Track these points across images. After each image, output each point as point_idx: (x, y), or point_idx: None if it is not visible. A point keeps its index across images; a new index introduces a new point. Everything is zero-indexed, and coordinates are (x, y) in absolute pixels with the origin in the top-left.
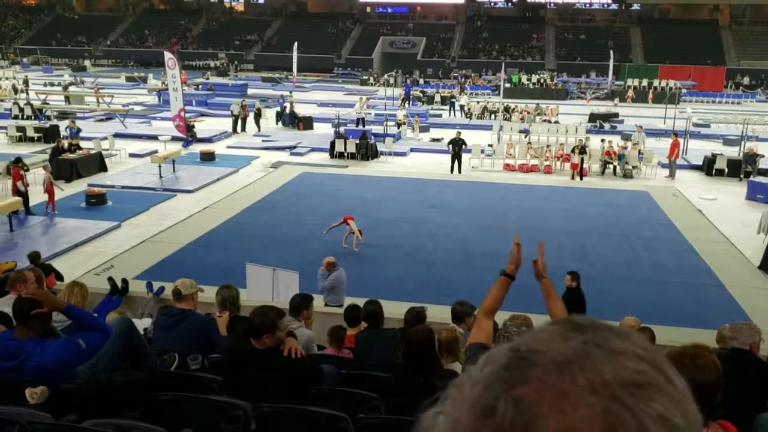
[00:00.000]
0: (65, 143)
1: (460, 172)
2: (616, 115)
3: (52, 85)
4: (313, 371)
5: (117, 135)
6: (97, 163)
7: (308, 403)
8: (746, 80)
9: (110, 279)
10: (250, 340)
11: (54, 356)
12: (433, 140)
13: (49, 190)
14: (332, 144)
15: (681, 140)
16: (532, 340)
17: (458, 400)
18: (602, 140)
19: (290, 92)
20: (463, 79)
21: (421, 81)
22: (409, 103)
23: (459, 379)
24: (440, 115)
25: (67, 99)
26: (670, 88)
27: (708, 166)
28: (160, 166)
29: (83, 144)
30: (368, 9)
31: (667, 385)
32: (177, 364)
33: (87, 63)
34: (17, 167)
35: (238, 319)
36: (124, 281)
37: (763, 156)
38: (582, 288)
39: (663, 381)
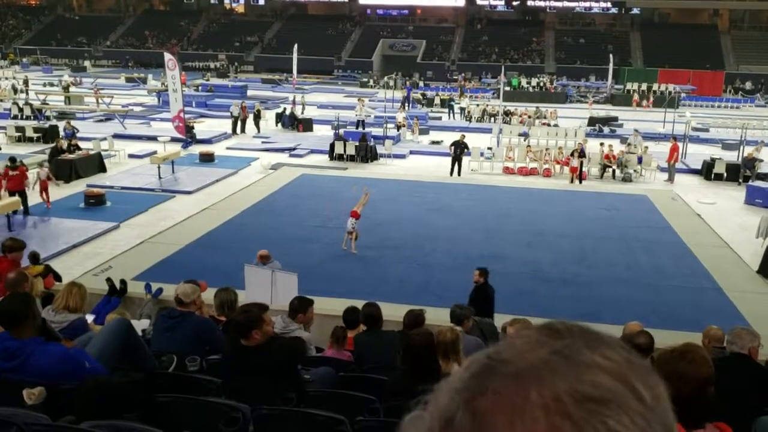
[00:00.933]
0: (64, 144)
1: (459, 174)
2: (616, 118)
3: (51, 85)
4: (297, 349)
5: (116, 136)
6: (97, 163)
7: (306, 402)
8: (748, 85)
9: (109, 280)
10: (240, 341)
11: (55, 366)
12: (433, 143)
13: (44, 186)
14: (332, 146)
15: (680, 144)
16: (507, 347)
17: (432, 407)
18: (601, 144)
19: (303, 95)
20: (463, 82)
21: (421, 83)
22: (408, 106)
23: (440, 383)
24: (440, 118)
25: (68, 99)
26: (670, 92)
27: (707, 171)
28: (159, 167)
29: (82, 144)
30: (369, 11)
31: (629, 399)
32: (175, 366)
33: (87, 63)
34: (6, 168)
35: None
36: (123, 282)
37: (762, 160)
38: (490, 283)
39: (625, 394)
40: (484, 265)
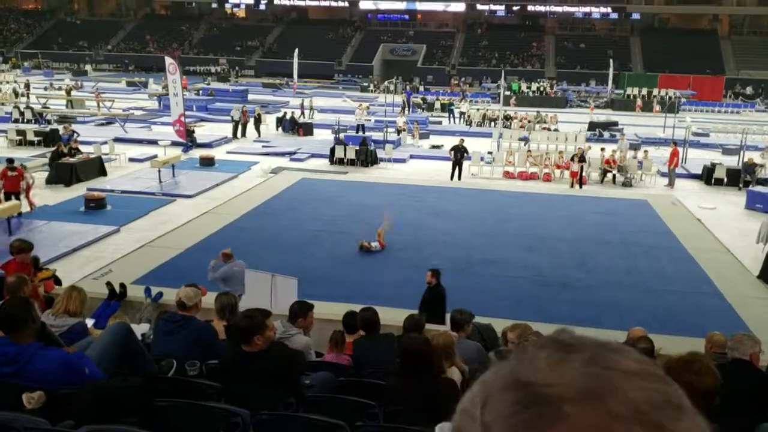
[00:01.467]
0: (65, 147)
1: (460, 179)
2: (616, 123)
3: (60, 89)
4: (299, 359)
5: (117, 139)
6: (97, 167)
7: (305, 407)
8: (749, 90)
9: (109, 284)
10: (241, 345)
11: (54, 371)
12: (433, 147)
13: (27, 187)
14: (332, 150)
15: (680, 149)
16: (534, 370)
17: None
18: (602, 149)
19: (311, 98)
20: (464, 86)
21: (421, 88)
22: (409, 110)
23: (467, 406)
24: (440, 122)
25: (70, 103)
26: (670, 98)
27: (707, 176)
28: (159, 171)
29: (83, 148)
30: (369, 16)
31: (682, 398)
32: (175, 370)
33: (88, 67)
34: (5, 168)
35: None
36: (122, 286)
37: (762, 166)
38: (442, 283)
39: (677, 394)
40: (483, 269)
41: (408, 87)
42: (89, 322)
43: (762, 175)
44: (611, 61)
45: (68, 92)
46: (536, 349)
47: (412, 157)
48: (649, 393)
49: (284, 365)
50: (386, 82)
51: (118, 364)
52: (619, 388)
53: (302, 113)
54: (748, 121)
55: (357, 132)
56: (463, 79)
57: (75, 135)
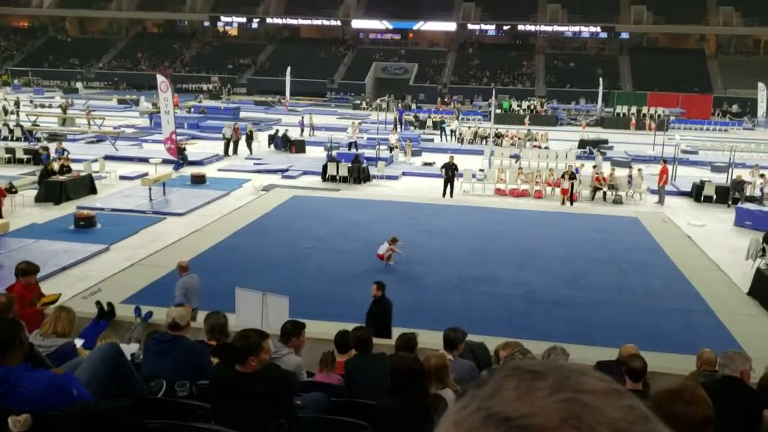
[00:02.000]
0: (55, 165)
1: (452, 196)
2: (606, 141)
3: (43, 106)
4: (292, 381)
5: (108, 157)
6: (87, 185)
7: (297, 428)
8: (735, 108)
9: (98, 303)
10: (235, 365)
11: (42, 393)
12: (425, 164)
13: None
14: (324, 167)
15: (670, 167)
16: (505, 403)
17: None
18: (594, 166)
19: (311, 115)
20: (459, 104)
21: (413, 106)
22: (401, 128)
23: None
24: (432, 140)
25: (64, 121)
26: (659, 115)
27: (696, 193)
28: (150, 189)
29: (73, 166)
30: (361, 35)
31: (647, 410)
32: (165, 391)
33: (79, 85)
34: None
35: (225, 346)
36: (110, 304)
37: (750, 183)
38: (387, 296)
39: (644, 407)
40: (475, 286)
41: (400, 105)
42: (78, 342)
43: (751, 192)
44: (601, 79)
45: (64, 110)
46: (500, 380)
47: (404, 174)
48: (625, 411)
49: (278, 387)
50: (378, 100)
51: (107, 385)
52: (596, 408)
53: (302, 130)
54: (736, 139)
55: (349, 149)
56: (455, 97)
57: (65, 153)
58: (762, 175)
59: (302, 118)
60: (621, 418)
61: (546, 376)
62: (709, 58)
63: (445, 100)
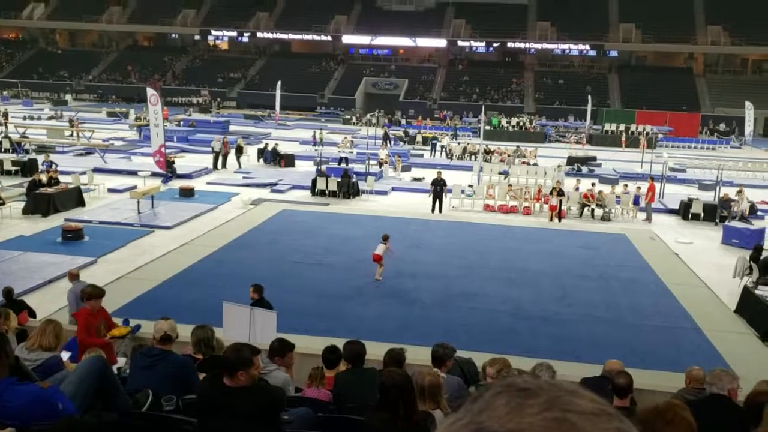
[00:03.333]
0: (43, 177)
1: (441, 211)
2: (594, 158)
3: (32, 118)
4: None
5: (96, 170)
6: (75, 197)
7: None
8: (722, 126)
9: None
10: (223, 379)
11: (27, 407)
12: (415, 179)
13: None
14: (314, 182)
15: (657, 184)
16: (495, 419)
17: None
18: (593, 184)
19: (321, 130)
20: (452, 121)
21: (403, 121)
22: (391, 143)
23: None
24: (422, 155)
25: (73, 134)
26: (647, 133)
27: (684, 211)
28: (138, 202)
29: (62, 178)
30: (352, 50)
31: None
32: (151, 404)
33: (68, 97)
34: None
35: (212, 359)
36: None
37: (737, 201)
38: (266, 298)
39: (632, 430)
40: (464, 302)
41: (387, 120)
42: (65, 356)
43: (737, 211)
44: (589, 97)
45: (71, 123)
46: (493, 396)
47: (393, 189)
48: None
49: (265, 403)
50: (368, 115)
51: (93, 398)
52: (581, 429)
53: (314, 144)
54: (723, 157)
55: (339, 164)
56: (447, 113)
57: (53, 165)
58: (739, 191)
59: (314, 132)
60: None
61: (538, 395)
62: (697, 76)
63: (439, 115)
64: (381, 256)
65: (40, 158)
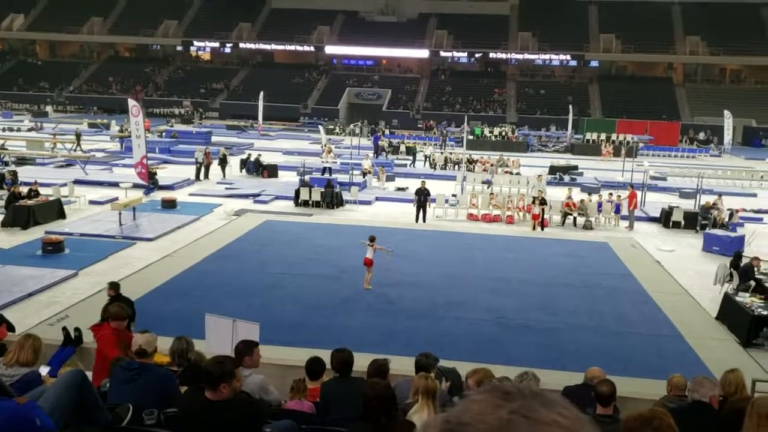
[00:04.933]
0: (22, 189)
1: (425, 221)
2: (576, 167)
3: (11, 130)
4: (263, 411)
5: (77, 182)
6: (56, 210)
7: None
8: (701, 135)
9: (64, 329)
10: (205, 392)
11: (3, 423)
12: (399, 189)
13: None
14: (297, 192)
15: (639, 192)
16: (464, 411)
17: None
18: (590, 195)
19: (331, 145)
20: (445, 131)
21: (387, 131)
22: (384, 154)
23: None
24: (406, 165)
25: (79, 147)
26: (628, 142)
27: (665, 218)
28: (120, 214)
29: (42, 190)
30: (334, 60)
31: None
32: (132, 419)
33: (49, 108)
34: None
35: (192, 372)
36: (77, 330)
37: (717, 209)
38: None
39: None
40: (448, 312)
41: (377, 132)
42: (44, 371)
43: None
44: (571, 106)
45: (78, 136)
46: (478, 394)
47: (377, 199)
48: None
49: (247, 415)
50: (352, 125)
51: (72, 413)
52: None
53: (323, 151)
54: (703, 166)
55: (323, 174)
56: (431, 121)
57: (15, 183)
58: (715, 203)
59: (322, 143)
60: None
61: (515, 400)
62: (676, 86)
63: (426, 124)
64: (371, 260)
65: (20, 170)
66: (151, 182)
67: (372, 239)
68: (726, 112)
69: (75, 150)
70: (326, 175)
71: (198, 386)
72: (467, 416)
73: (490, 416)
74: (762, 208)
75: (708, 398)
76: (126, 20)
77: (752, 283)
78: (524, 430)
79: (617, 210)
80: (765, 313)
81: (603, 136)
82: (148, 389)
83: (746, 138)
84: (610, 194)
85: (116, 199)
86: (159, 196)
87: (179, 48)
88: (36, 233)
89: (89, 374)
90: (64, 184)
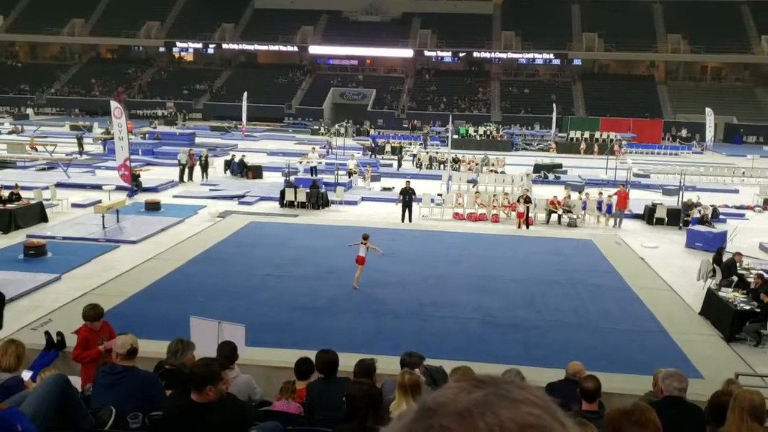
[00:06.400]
0: (3, 193)
1: (410, 221)
2: (560, 165)
3: None
4: (249, 412)
5: (59, 185)
6: (38, 213)
7: None
8: (684, 132)
9: (47, 333)
10: (190, 394)
11: None
12: (384, 189)
13: None
14: (282, 193)
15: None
16: (439, 395)
17: None
18: (565, 191)
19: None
20: (427, 129)
21: (372, 131)
22: (375, 154)
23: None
24: (391, 165)
25: (81, 151)
26: (611, 140)
27: (649, 215)
28: (103, 216)
29: (23, 194)
30: (319, 60)
31: (559, 428)
32: (115, 422)
33: (29, 111)
34: None
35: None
36: (59, 334)
37: (700, 206)
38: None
39: (556, 424)
40: (434, 311)
41: (373, 132)
42: (26, 375)
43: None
44: (554, 105)
45: (80, 142)
46: (455, 382)
47: (363, 199)
48: (521, 415)
49: (234, 418)
50: (336, 125)
51: (55, 418)
52: (496, 409)
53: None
54: (686, 163)
55: (311, 174)
56: (415, 121)
57: None
58: (697, 203)
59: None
60: (511, 418)
61: (489, 386)
62: (658, 83)
63: (411, 124)
64: (364, 258)
65: (1, 173)
66: (134, 184)
67: (365, 237)
68: (708, 110)
69: (80, 154)
70: (312, 176)
71: (184, 389)
72: (443, 398)
73: (466, 396)
74: (743, 204)
75: (670, 391)
76: (107, 21)
77: (735, 278)
78: (499, 404)
79: (609, 210)
80: (747, 308)
81: (587, 134)
82: (132, 393)
83: (728, 135)
84: (600, 193)
85: (99, 201)
86: (142, 198)
87: (162, 49)
88: (17, 237)
89: (73, 378)
90: (46, 187)
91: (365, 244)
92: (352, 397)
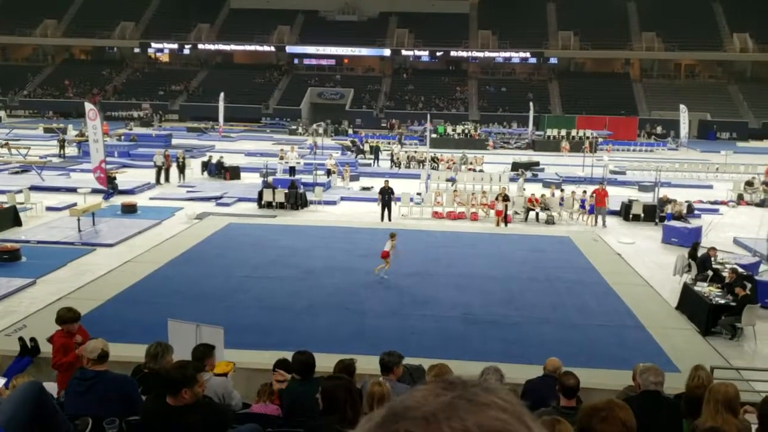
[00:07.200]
0: None
1: (390, 220)
2: (537, 163)
3: None
4: (227, 415)
5: (33, 188)
6: (11, 217)
7: None
8: (659, 129)
9: (20, 339)
10: (166, 397)
11: None
12: (364, 189)
13: None
14: (260, 194)
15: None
16: (407, 398)
17: None
18: (549, 190)
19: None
20: (403, 129)
21: (350, 131)
22: (358, 154)
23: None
24: (370, 164)
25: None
26: (588, 137)
27: (625, 212)
28: (79, 220)
29: None
30: (296, 60)
31: (523, 431)
32: (92, 429)
33: (1, 114)
34: None
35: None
36: (33, 340)
37: (675, 201)
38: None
39: (522, 429)
40: (414, 310)
41: (355, 132)
42: (0, 382)
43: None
44: (531, 103)
45: (62, 145)
46: (425, 384)
47: (342, 199)
48: (486, 420)
49: (212, 420)
50: (314, 125)
51: (30, 426)
52: (461, 413)
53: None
54: (661, 159)
55: (290, 175)
56: (393, 121)
57: None
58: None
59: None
60: (477, 423)
61: (457, 388)
62: (634, 81)
63: (390, 123)
64: (388, 253)
65: None
66: (110, 187)
67: (392, 236)
68: (682, 107)
69: (62, 157)
70: (290, 176)
71: (159, 392)
72: (410, 402)
73: (433, 399)
74: (718, 199)
75: (648, 386)
76: (81, 22)
77: (710, 273)
78: (465, 408)
79: (592, 210)
80: (722, 302)
81: (563, 132)
82: (106, 397)
83: (701, 131)
84: (584, 192)
85: (74, 204)
86: (119, 200)
87: (137, 50)
88: None
89: (48, 384)
90: (20, 191)
91: (392, 241)
92: (329, 391)
